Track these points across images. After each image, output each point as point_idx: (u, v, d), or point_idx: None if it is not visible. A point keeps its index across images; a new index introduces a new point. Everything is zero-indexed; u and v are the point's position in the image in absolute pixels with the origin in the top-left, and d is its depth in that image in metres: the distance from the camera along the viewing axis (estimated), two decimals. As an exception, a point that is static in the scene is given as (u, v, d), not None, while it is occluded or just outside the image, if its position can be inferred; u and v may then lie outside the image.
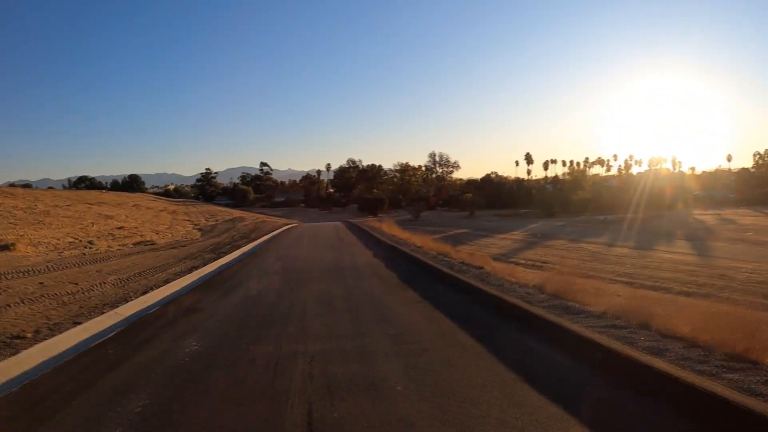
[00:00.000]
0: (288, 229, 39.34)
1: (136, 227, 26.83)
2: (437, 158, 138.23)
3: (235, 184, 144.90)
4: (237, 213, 57.53)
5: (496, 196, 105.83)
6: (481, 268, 13.10)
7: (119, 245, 19.15)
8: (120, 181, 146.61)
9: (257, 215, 62.69)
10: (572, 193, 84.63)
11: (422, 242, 19.74)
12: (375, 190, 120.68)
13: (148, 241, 21.40)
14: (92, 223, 25.89)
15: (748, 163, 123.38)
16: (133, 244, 20.22)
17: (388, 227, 31.17)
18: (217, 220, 42.88)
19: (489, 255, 21.57)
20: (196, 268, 13.94)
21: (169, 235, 26.07)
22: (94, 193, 63.47)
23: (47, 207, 29.17)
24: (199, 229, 33.69)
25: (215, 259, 16.19)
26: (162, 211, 49.54)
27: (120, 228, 25.32)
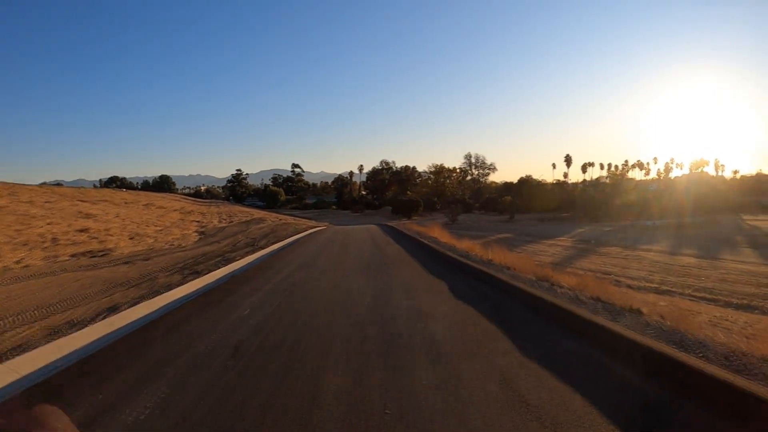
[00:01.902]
0: (312, 233, 32.63)
1: (107, 230, 21.45)
2: (473, 160, 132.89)
3: (266, 186, 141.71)
4: (259, 214, 52.46)
5: (535, 200, 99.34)
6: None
7: (46, 256, 13.80)
8: (150, 181, 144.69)
9: (281, 217, 57.54)
10: (615, 197, 79.50)
11: (508, 260, 14.08)
12: (409, 192, 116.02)
13: (102, 251, 15.74)
14: (50, 223, 20.70)
15: None
16: (70, 255, 14.20)
17: (438, 233, 26.00)
18: (231, 222, 37.51)
19: (541, 263, 16.66)
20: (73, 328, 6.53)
21: (153, 240, 20.93)
22: (106, 191, 59.07)
23: (8, 203, 24.34)
24: (201, 233, 28.39)
25: (153, 295, 8.82)
26: (175, 210, 44.58)
27: (82, 231, 20.15)
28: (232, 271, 12.53)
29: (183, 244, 20.65)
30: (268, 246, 19.75)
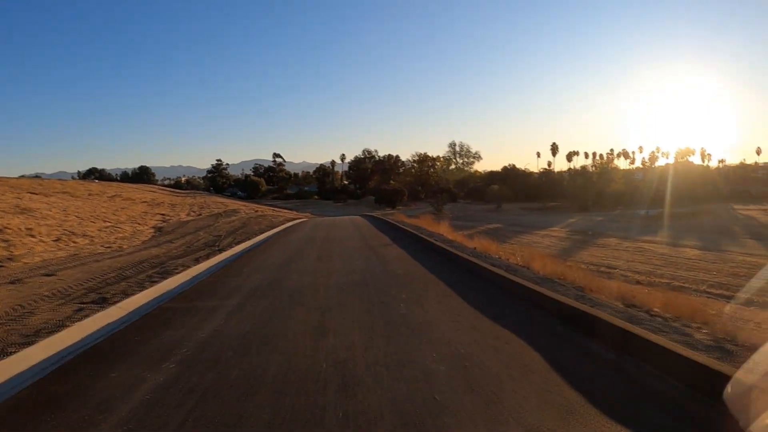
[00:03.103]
0: (290, 227, 27.61)
1: (30, 229, 17.05)
2: (457, 148, 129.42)
3: (246, 176, 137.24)
4: (235, 205, 48.21)
5: (521, 189, 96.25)
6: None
7: None
8: (130, 173, 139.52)
9: (259, 208, 53.20)
10: (605, 186, 76.85)
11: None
12: (392, 182, 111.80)
13: (2, 258, 11.73)
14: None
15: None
16: None
17: (435, 226, 21.96)
18: (199, 215, 33.08)
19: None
20: None
21: (87, 242, 16.46)
22: (72, 183, 54.82)
23: None
24: (159, 228, 23.98)
25: None
26: (143, 202, 40.26)
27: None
28: (148, 303, 7.83)
29: (125, 246, 16.36)
30: (231, 247, 15.47)
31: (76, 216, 23.84)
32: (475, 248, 13.55)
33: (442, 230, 18.67)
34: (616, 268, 24.14)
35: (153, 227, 24.79)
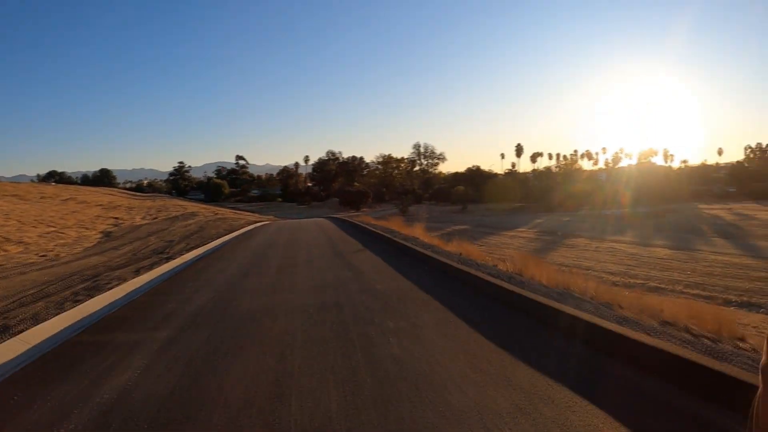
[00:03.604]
0: (251, 231, 25.37)
1: None
2: (422, 150, 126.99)
3: (209, 179, 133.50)
4: (194, 208, 45.71)
5: (486, 190, 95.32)
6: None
7: None
8: (90, 175, 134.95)
9: (220, 211, 50.81)
10: (569, 187, 76.60)
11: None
12: (356, 183, 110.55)
13: None
14: None
15: (735, 157, 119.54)
16: None
17: (406, 228, 20.09)
18: (155, 218, 30.73)
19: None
20: None
21: (21, 249, 14.13)
22: (25, 185, 52.01)
23: None
24: (108, 233, 21.54)
25: None
26: (99, 206, 37.69)
27: None
28: (56, 335, 5.49)
29: (63, 254, 14.14)
30: (182, 254, 13.28)
31: (17, 220, 21.44)
32: (460, 254, 11.71)
33: (417, 233, 16.76)
34: (588, 269, 23.24)
35: (101, 232, 22.41)
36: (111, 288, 8.23)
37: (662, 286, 20.08)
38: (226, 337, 5.54)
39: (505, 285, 7.13)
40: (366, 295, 7.58)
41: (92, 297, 7.47)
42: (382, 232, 18.09)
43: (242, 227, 26.60)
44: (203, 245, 16.20)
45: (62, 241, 17.82)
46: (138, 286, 8.89)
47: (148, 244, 16.94)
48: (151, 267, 10.84)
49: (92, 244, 17.96)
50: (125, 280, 9.06)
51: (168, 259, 12.25)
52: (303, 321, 6.11)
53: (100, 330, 6.06)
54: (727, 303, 15.68)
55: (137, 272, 10.06)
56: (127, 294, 8.19)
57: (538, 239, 42.24)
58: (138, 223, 27.11)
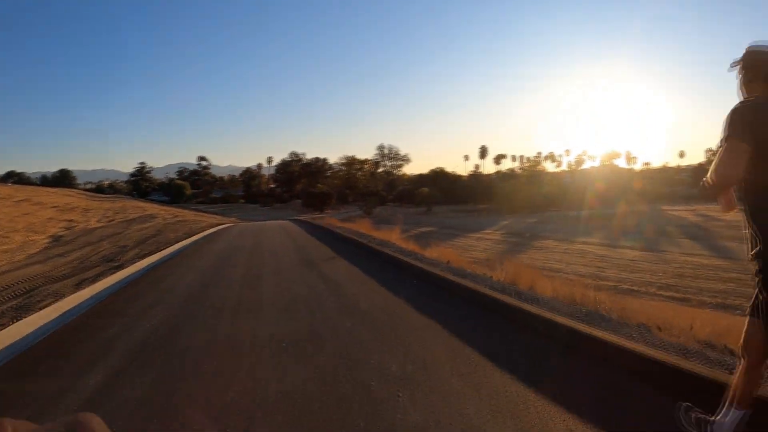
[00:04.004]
0: (212, 234, 23.57)
1: None
2: (386, 151, 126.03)
3: (171, 180, 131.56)
4: (154, 210, 43.24)
5: (451, 191, 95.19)
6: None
7: None
8: (50, 176, 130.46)
9: (180, 213, 48.56)
10: (534, 188, 76.73)
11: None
12: (320, 185, 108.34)
13: None
14: None
15: (696, 159, 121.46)
16: None
17: (380, 232, 18.64)
18: (111, 221, 28.76)
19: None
20: None
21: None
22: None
23: None
24: (59, 237, 19.58)
25: None
26: (53, 207, 35.36)
27: None
28: None
29: (1, 262, 12.47)
30: (134, 262, 11.64)
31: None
32: (448, 262, 10.35)
33: (393, 237, 15.33)
34: (559, 272, 22.45)
35: (51, 236, 20.39)
36: (43, 307, 6.58)
37: (635, 288, 19.63)
38: (170, 394, 3.97)
39: (522, 306, 5.72)
40: (349, 317, 6.03)
41: (17, 320, 5.85)
42: (353, 236, 16.63)
43: (203, 230, 24.76)
44: (159, 251, 14.50)
45: (5, 247, 15.89)
46: (76, 304, 7.23)
47: (99, 249, 15.16)
48: (96, 278, 9.16)
49: (38, 250, 16.07)
50: (63, 296, 7.41)
51: (117, 269, 10.57)
52: (274, 365, 4.49)
53: (10, 374, 4.45)
54: (702, 305, 15.13)
55: (79, 285, 8.41)
56: (60, 316, 6.52)
57: (505, 241, 41.82)
58: (92, 227, 25.07)
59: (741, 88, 2.61)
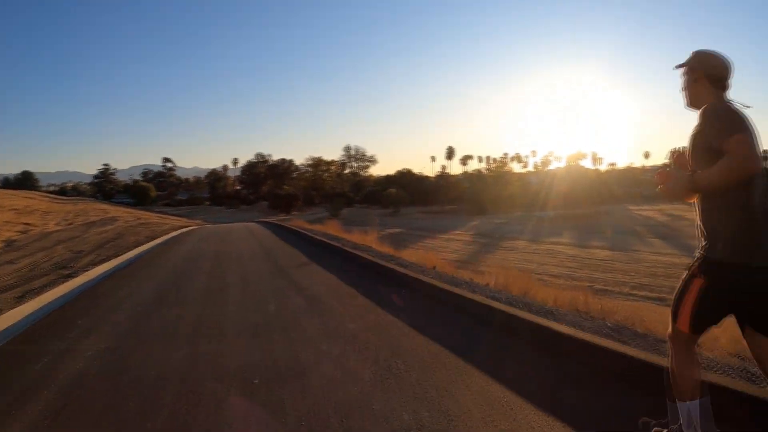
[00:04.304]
0: (177, 237, 22.40)
1: None
2: (352, 152, 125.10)
3: (135, 181, 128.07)
4: (116, 213, 41.45)
5: (418, 192, 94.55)
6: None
7: None
8: (12, 178, 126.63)
9: (144, 215, 46.48)
10: (501, 189, 76.59)
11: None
12: (286, 186, 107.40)
13: None
14: None
15: (661, 160, 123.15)
16: None
17: (350, 234, 17.55)
18: (71, 224, 27.19)
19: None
20: None
21: None
22: None
23: None
24: (12, 241, 18.15)
25: None
26: (11, 210, 33.40)
27: None
28: None
29: None
30: (88, 270, 10.31)
31: None
32: (434, 267, 9.32)
33: (369, 240, 14.23)
34: (531, 272, 21.43)
35: (3, 241, 18.84)
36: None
37: (608, 288, 19.26)
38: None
39: (541, 321, 4.70)
40: (336, 342, 4.89)
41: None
42: (324, 239, 15.51)
43: (166, 233, 23.29)
44: (117, 257, 13.13)
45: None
46: (11, 323, 5.99)
47: (52, 255, 13.71)
48: (42, 289, 7.89)
49: (-6, 252, 14.62)
50: (0, 311, 6.20)
51: (68, 277, 9.27)
52: (244, 415, 3.32)
53: None
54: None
55: (21, 298, 7.17)
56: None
57: (475, 242, 41.19)
58: (50, 230, 23.41)
59: (689, 93, 2.69)
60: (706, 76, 2.57)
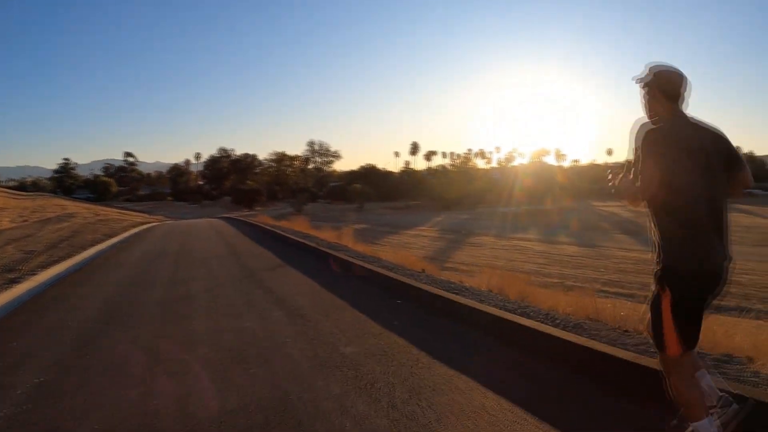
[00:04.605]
0: (136, 234, 20.88)
1: None
2: (316, 147, 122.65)
3: (96, 176, 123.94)
4: (76, 208, 39.48)
5: (382, 188, 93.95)
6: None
7: None
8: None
9: (103, 211, 44.48)
10: (465, 185, 76.37)
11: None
12: (249, 182, 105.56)
13: None
14: None
15: (624, 156, 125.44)
16: None
17: (320, 231, 16.46)
18: (26, 220, 25.40)
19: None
20: None
21: None
22: None
23: None
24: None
25: None
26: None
27: None
28: None
29: None
30: (36, 274, 9.00)
31: None
32: (423, 270, 8.37)
33: (346, 241, 13.17)
34: (501, 269, 20.92)
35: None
36: None
37: (579, 284, 18.52)
38: None
39: (574, 339, 3.82)
40: (335, 379, 3.83)
41: None
42: (294, 237, 14.47)
43: (126, 230, 21.87)
44: (70, 257, 11.82)
45: None
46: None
47: (1, 256, 12.38)
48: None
49: None
50: None
51: (13, 283, 8.01)
52: None
53: None
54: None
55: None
56: None
57: (441, 238, 40.64)
58: (3, 227, 21.76)
59: (645, 104, 2.77)
60: (660, 92, 2.67)
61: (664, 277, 2.54)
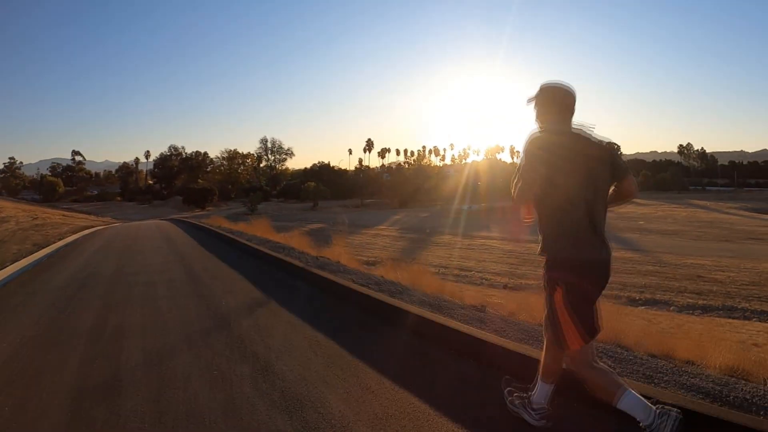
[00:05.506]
0: (72, 243, 17.46)
1: None
2: (269, 145, 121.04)
3: (42, 176, 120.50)
4: (12, 211, 35.01)
5: (336, 186, 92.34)
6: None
7: None
8: None
9: (46, 212, 40.45)
10: (421, 183, 75.36)
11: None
12: (201, 180, 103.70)
13: None
14: None
15: None
16: None
17: (292, 239, 13.41)
18: (-51, 228, 21.61)
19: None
20: None
21: None
22: None
23: None
24: None
25: None
26: None
27: None
28: None
29: None
30: None
31: None
32: (484, 306, 5.55)
33: (338, 253, 10.11)
34: (471, 270, 20.07)
35: None
36: None
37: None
38: None
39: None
40: None
41: None
42: (264, 249, 11.33)
43: (63, 237, 18.23)
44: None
45: None
46: None
47: None
48: None
49: None
50: None
51: None
52: None
53: None
54: (633, 302, 13.58)
55: None
56: None
57: (403, 237, 38.24)
58: None
59: (535, 116, 2.88)
60: (547, 104, 2.79)
61: (549, 266, 2.71)
